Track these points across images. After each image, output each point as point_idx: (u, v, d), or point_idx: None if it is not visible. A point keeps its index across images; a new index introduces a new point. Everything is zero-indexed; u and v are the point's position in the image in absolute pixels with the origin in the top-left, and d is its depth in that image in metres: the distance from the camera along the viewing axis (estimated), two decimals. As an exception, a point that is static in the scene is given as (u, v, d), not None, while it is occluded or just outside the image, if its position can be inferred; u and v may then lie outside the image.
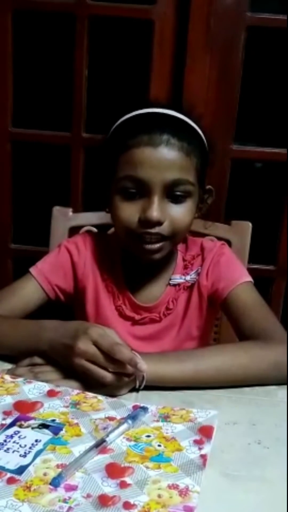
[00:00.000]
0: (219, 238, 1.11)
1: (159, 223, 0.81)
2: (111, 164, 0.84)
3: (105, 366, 0.67)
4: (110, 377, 0.67)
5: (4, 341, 0.80)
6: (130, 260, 0.93)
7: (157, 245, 0.83)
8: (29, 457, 0.56)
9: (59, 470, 0.54)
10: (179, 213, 0.83)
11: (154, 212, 0.80)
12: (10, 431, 0.61)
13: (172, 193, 0.82)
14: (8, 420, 0.63)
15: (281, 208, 1.44)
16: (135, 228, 0.82)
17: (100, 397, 0.69)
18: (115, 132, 0.86)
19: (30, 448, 0.58)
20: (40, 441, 0.59)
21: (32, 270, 0.95)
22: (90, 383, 0.70)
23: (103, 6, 1.35)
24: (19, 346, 0.78)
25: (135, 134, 0.80)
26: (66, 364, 0.72)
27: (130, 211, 0.82)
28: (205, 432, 0.62)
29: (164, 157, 0.80)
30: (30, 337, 0.77)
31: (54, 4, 1.37)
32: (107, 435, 0.59)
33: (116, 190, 0.84)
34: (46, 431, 0.61)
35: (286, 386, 0.75)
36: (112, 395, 0.70)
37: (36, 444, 0.59)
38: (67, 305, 1.00)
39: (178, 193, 0.82)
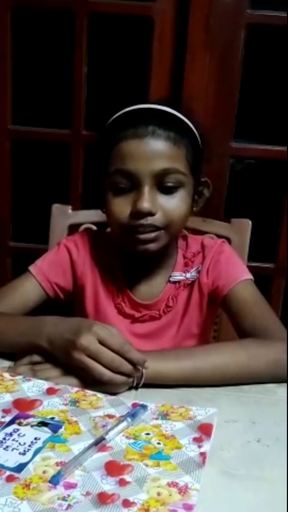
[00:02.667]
0: (219, 236, 1.11)
1: (150, 214, 0.81)
2: (103, 161, 0.85)
3: (105, 364, 0.67)
4: (108, 375, 0.67)
5: (3, 337, 0.80)
6: (130, 258, 0.93)
7: (152, 234, 0.83)
8: (29, 455, 0.56)
9: (59, 468, 0.54)
10: (172, 203, 0.83)
11: (144, 203, 0.80)
12: (9, 429, 0.61)
13: (163, 183, 0.82)
14: (7, 418, 0.63)
15: (281, 206, 1.44)
16: (128, 221, 0.82)
17: (99, 395, 0.69)
18: (105, 130, 0.87)
19: (29, 446, 0.58)
20: (39, 439, 0.59)
21: (31, 268, 0.95)
22: (86, 380, 0.70)
23: (103, 3, 1.35)
24: (18, 342, 0.78)
25: (121, 128, 0.81)
26: (64, 359, 0.71)
27: (121, 205, 0.82)
28: (205, 430, 0.62)
29: (151, 148, 0.80)
30: (29, 332, 0.76)
31: (53, 1, 1.36)
32: (107, 433, 0.59)
33: (108, 186, 0.84)
34: (45, 429, 0.61)
35: (285, 384, 0.75)
36: (111, 393, 0.70)
37: (36, 442, 0.59)
38: (66, 303, 1.00)
39: (169, 183, 0.82)
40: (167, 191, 0.82)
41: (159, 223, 0.82)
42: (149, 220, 0.81)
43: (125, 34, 1.54)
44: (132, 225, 0.82)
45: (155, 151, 0.80)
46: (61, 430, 0.61)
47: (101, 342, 0.68)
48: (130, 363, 0.68)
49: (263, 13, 1.31)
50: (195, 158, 0.86)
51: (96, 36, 1.40)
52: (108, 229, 1.15)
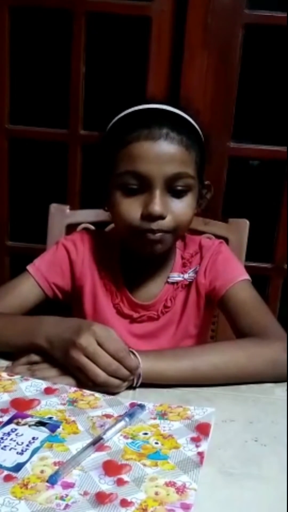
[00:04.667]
0: (217, 236, 1.11)
1: (161, 217, 0.80)
2: (109, 160, 0.84)
3: (102, 367, 0.67)
4: (103, 377, 0.67)
5: (1, 337, 0.79)
6: (128, 258, 0.93)
7: (158, 235, 0.82)
8: (26, 454, 0.56)
9: (56, 467, 0.54)
10: (181, 207, 0.83)
11: (156, 206, 0.79)
12: (7, 428, 0.61)
13: (173, 187, 0.81)
14: (5, 418, 0.63)
15: (278, 206, 1.44)
16: (138, 223, 0.81)
17: (97, 394, 0.69)
18: (113, 129, 0.86)
19: (27, 445, 0.58)
20: (37, 438, 0.59)
21: (29, 268, 0.94)
22: (80, 379, 0.70)
23: (101, 2, 1.35)
24: (16, 341, 0.78)
25: (133, 129, 0.80)
26: (62, 358, 0.71)
27: (131, 207, 0.82)
28: (202, 429, 0.62)
29: (164, 151, 0.79)
30: (28, 332, 0.76)
31: (51, 1, 1.36)
32: (104, 433, 0.59)
33: (116, 186, 0.83)
34: (43, 428, 0.61)
35: (283, 384, 0.76)
36: (109, 392, 0.70)
37: (33, 442, 0.59)
38: (65, 303, 1.00)
39: (179, 187, 0.82)
40: (177, 195, 0.82)
41: (167, 227, 0.82)
42: (158, 224, 0.81)
43: (123, 33, 1.54)
44: (142, 228, 0.81)
45: (168, 154, 0.79)
46: (59, 430, 0.61)
47: (99, 344, 0.68)
48: (125, 367, 0.69)
49: (260, 13, 1.31)
50: (201, 161, 0.86)
51: (94, 36, 1.40)
52: (107, 229, 1.15)
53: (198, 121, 0.88)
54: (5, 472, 0.53)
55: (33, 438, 0.59)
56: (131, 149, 0.80)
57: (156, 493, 0.51)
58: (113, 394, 0.70)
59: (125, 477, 0.53)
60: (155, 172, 0.79)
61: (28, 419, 0.63)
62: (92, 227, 1.18)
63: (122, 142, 0.81)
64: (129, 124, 0.82)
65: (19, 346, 0.77)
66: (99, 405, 0.67)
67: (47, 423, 0.62)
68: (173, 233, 0.84)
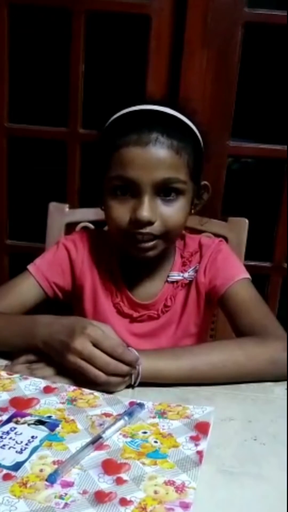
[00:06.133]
0: (216, 235, 1.11)
1: (149, 223, 0.81)
2: (103, 162, 0.84)
3: (100, 367, 0.67)
4: (103, 377, 0.67)
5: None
6: (128, 258, 0.93)
7: (150, 243, 0.83)
8: (25, 453, 0.56)
9: (56, 466, 0.54)
10: (170, 212, 0.82)
11: (144, 212, 0.79)
12: (6, 427, 0.61)
13: (163, 192, 0.81)
14: (4, 417, 0.63)
15: (278, 205, 1.44)
16: (127, 228, 0.82)
17: (96, 393, 0.69)
18: (107, 130, 0.86)
19: (26, 444, 0.58)
20: (36, 437, 0.59)
21: (30, 267, 0.94)
22: (82, 381, 0.70)
23: (100, 1, 1.35)
24: (12, 342, 0.78)
25: (124, 133, 0.80)
26: (58, 359, 0.71)
27: (121, 211, 0.82)
28: (202, 428, 0.62)
29: (153, 157, 0.79)
30: (24, 333, 0.76)
31: (50, -1, 1.36)
32: (104, 432, 0.59)
33: (107, 190, 0.83)
34: (42, 427, 0.61)
35: (282, 383, 0.76)
36: (108, 391, 0.70)
37: (33, 441, 0.59)
38: (65, 303, 1.00)
39: (169, 192, 0.82)
40: (167, 199, 0.82)
41: (157, 232, 0.82)
42: (147, 228, 0.81)
43: (122, 32, 1.54)
44: (131, 232, 0.82)
45: (157, 160, 0.79)
46: (58, 429, 0.61)
47: (95, 345, 0.68)
48: (125, 363, 0.69)
49: (260, 12, 1.31)
50: (196, 163, 0.85)
51: (93, 34, 1.40)
52: (106, 228, 1.15)
53: (196, 121, 0.87)
54: (4, 471, 0.53)
55: (32, 437, 0.59)
56: (121, 154, 0.80)
57: (155, 492, 0.51)
58: (113, 392, 0.70)
59: (124, 476, 0.53)
60: (144, 178, 0.79)
61: (28, 418, 0.63)
62: (91, 226, 1.18)
63: (113, 145, 0.81)
64: (121, 127, 0.82)
65: (17, 346, 0.77)
66: (98, 404, 0.67)
67: (46, 422, 0.62)
68: (164, 237, 0.84)
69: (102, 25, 1.43)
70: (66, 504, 0.49)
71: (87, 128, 1.43)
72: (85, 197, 1.48)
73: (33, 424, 0.62)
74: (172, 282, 0.94)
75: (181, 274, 0.93)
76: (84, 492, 0.51)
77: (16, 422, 0.62)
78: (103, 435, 0.59)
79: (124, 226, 0.82)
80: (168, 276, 0.94)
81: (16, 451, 0.57)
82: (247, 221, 1.16)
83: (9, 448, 0.57)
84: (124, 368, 0.69)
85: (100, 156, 0.85)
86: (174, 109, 0.85)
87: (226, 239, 1.11)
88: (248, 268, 0.95)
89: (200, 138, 0.87)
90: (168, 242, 0.87)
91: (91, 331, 0.69)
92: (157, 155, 0.79)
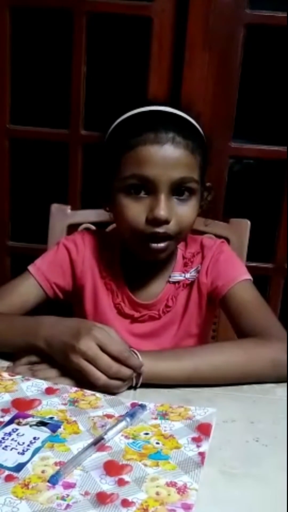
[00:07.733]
0: (218, 236, 1.11)
1: (166, 222, 0.80)
2: (113, 163, 0.83)
3: (102, 370, 0.67)
4: (103, 380, 0.67)
5: (1, 338, 0.79)
6: (129, 258, 0.93)
7: (163, 244, 0.83)
8: (27, 454, 0.56)
9: (57, 467, 0.54)
10: (185, 211, 0.83)
11: (162, 211, 0.79)
12: (8, 428, 0.61)
13: (178, 191, 0.81)
14: (6, 418, 0.63)
15: (279, 206, 1.44)
16: (143, 227, 0.81)
17: (98, 394, 0.69)
18: (117, 131, 0.85)
19: (28, 445, 0.58)
20: (38, 438, 0.59)
21: (30, 268, 0.94)
22: (83, 382, 0.70)
23: (102, 2, 1.35)
24: (14, 342, 0.78)
25: (139, 132, 0.79)
26: (62, 361, 0.71)
27: (136, 210, 0.81)
28: (203, 429, 0.62)
29: (170, 155, 0.79)
30: (26, 333, 0.76)
31: (52, 1, 1.36)
32: (105, 433, 0.59)
33: (120, 189, 0.83)
34: (44, 428, 0.61)
35: (284, 384, 0.75)
36: (110, 392, 0.70)
37: (34, 442, 0.59)
38: (65, 303, 1.00)
39: (184, 191, 0.82)
40: (182, 199, 0.82)
41: (171, 231, 0.82)
42: (163, 228, 0.81)
43: (124, 33, 1.54)
44: (147, 232, 0.81)
45: (174, 159, 0.79)
46: (60, 430, 0.61)
47: (102, 347, 0.68)
48: (129, 367, 0.69)
49: (261, 13, 1.31)
50: (204, 164, 0.86)
51: (95, 36, 1.40)
52: (108, 229, 1.15)
53: (200, 123, 0.88)
54: (6, 472, 0.53)
55: (34, 438, 0.59)
56: (137, 152, 0.79)
57: (157, 493, 0.51)
58: (114, 394, 0.70)
59: (126, 477, 0.53)
60: (161, 177, 0.79)
61: (29, 419, 0.63)
62: (93, 227, 1.18)
63: (127, 145, 0.80)
64: (135, 127, 0.81)
65: (19, 347, 0.77)
66: (100, 405, 0.67)
67: (48, 423, 0.62)
68: (176, 237, 0.84)
69: (103, 26, 1.44)
70: (68, 505, 0.49)
71: (89, 130, 1.43)
72: (87, 199, 1.48)
73: (35, 425, 0.62)
74: (174, 283, 0.94)
75: (183, 275, 0.93)
76: (86, 493, 0.51)
77: (18, 423, 0.62)
78: (105, 436, 0.59)
79: (140, 226, 0.81)
80: (169, 277, 0.94)
81: (18, 452, 0.57)
82: (248, 222, 1.16)
83: (11, 449, 0.57)
84: (127, 372, 0.69)
85: (107, 157, 0.85)
86: (180, 110, 0.85)
87: (228, 240, 1.11)
88: (250, 269, 0.95)
89: (205, 140, 0.88)
90: (178, 243, 0.87)
91: (98, 333, 0.69)
92: (175, 154, 0.79)
